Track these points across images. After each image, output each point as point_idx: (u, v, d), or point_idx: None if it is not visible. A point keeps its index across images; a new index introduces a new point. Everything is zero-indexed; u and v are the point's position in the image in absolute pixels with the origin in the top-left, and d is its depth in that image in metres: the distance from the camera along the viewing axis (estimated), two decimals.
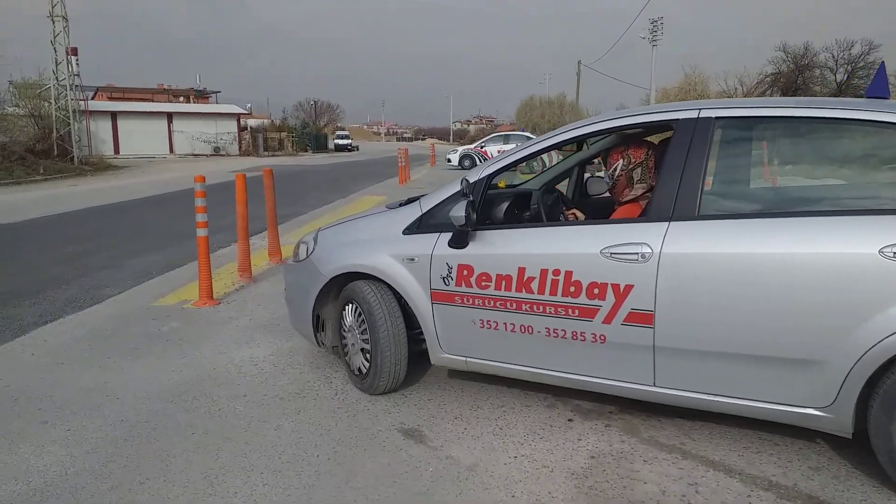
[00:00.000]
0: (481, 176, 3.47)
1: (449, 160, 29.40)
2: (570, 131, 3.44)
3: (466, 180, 3.43)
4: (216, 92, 56.78)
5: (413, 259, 3.51)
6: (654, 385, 3.00)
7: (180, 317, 5.43)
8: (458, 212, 3.22)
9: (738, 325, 2.77)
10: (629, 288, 2.92)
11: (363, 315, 3.69)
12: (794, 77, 32.48)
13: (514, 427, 3.36)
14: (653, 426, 3.33)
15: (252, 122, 52.66)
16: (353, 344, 3.82)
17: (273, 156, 46.11)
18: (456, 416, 3.51)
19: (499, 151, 28.72)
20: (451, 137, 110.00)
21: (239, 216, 6.59)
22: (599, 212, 4.30)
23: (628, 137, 3.91)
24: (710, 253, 2.80)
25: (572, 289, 3.06)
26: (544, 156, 6.24)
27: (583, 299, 3.03)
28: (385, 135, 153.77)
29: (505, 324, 3.29)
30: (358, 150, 65.91)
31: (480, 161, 28.86)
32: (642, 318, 2.92)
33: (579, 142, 4.21)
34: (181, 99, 55.65)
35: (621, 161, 3.62)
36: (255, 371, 4.19)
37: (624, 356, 3.03)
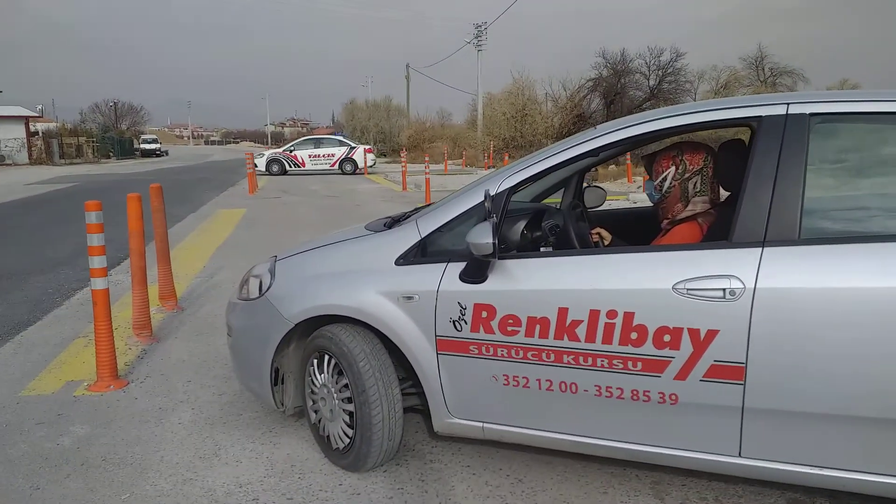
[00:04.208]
0: (500, 189, 2.74)
1: (256, 166, 25.95)
2: (612, 133, 2.69)
3: (488, 193, 2.63)
4: None
5: (411, 297, 2.77)
6: (739, 455, 2.40)
7: (81, 414, 3.62)
8: (481, 237, 2.46)
9: (870, 380, 2.18)
10: (712, 334, 2.32)
11: (344, 371, 2.90)
12: (614, 82, 34.18)
13: None
14: None
15: (40, 127, 46.46)
16: (328, 409, 3.02)
17: (72, 164, 40.80)
18: None
19: (310, 157, 27.09)
20: (268, 140, 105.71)
21: (133, 253, 4.81)
22: (624, 230, 3.56)
23: (679, 139, 3.17)
24: (825, 288, 2.22)
25: (634, 335, 2.42)
26: None
27: (648, 349, 2.40)
28: (192, 138, 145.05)
29: (539, 380, 2.61)
30: (168, 154, 61.33)
31: (291, 166, 27.10)
32: (729, 373, 2.32)
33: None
34: None
35: (674, 169, 2.93)
36: None
37: (701, 420, 2.43)
